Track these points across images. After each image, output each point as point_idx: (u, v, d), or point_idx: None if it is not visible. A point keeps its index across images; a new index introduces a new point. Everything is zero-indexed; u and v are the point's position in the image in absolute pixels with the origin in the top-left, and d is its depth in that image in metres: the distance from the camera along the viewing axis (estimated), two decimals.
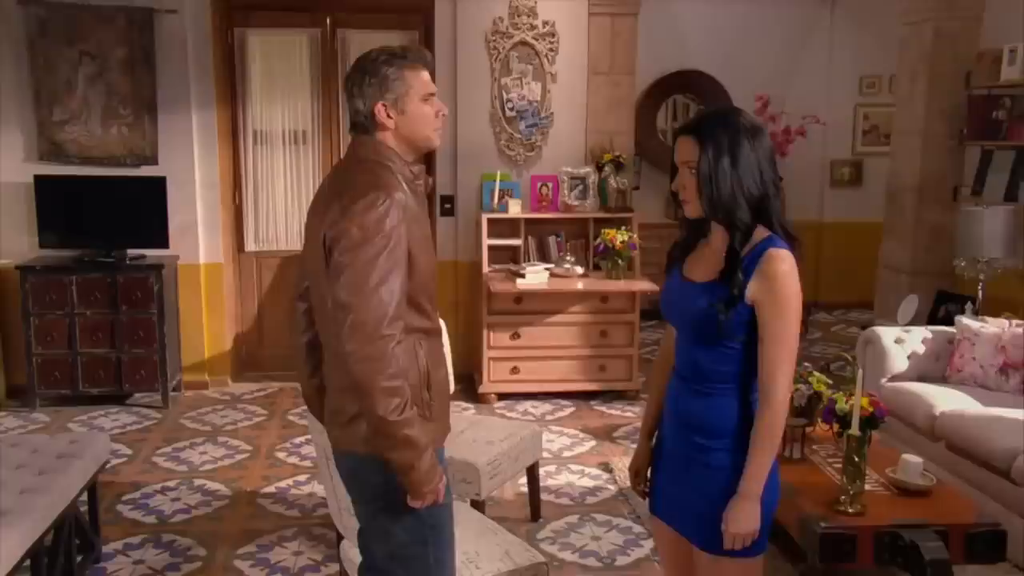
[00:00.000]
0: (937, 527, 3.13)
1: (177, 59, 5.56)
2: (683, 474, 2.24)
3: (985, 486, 3.82)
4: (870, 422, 3.30)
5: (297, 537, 3.80)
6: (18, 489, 2.86)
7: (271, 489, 4.29)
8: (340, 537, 2.76)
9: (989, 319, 4.58)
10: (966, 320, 4.61)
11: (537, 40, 5.81)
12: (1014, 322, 4.49)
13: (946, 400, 4.22)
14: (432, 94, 2.17)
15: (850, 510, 3.20)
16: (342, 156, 2.25)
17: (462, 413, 4.80)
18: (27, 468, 3.05)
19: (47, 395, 5.42)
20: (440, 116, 2.19)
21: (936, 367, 4.60)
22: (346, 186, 2.06)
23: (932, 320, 5.42)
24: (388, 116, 2.11)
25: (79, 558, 3.29)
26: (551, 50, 5.83)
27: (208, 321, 5.86)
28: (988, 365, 4.40)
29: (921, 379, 4.55)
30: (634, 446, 4.91)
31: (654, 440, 2.47)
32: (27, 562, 2.81)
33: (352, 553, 2.64)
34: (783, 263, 2.07)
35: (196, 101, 5.62)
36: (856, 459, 3.23)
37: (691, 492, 2.21)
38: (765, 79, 7.90)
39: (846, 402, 3.29)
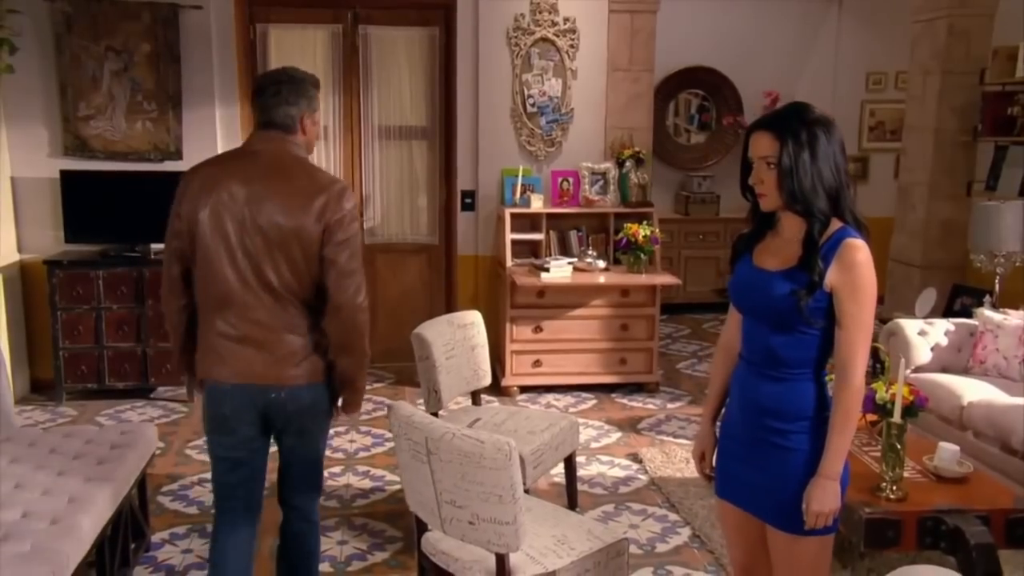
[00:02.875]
0: (978, 512, 3.22)
1: (201, 54, 5.58)
2: (756, 457, 2.30)
3: (1012, 473, 3.91)
4: (910, 410, 3.38)
5: (339, 527, 3.85)
6: (83, 478, 2.90)
7: None
8: (421, 529, 2.80)
9: (1011, 311, 4.67)
10: (988, 312, 4.69)
11: (558, 36, 5.86)
12: None
13: (972, 390, 4.31)
14: None
15: (892, 496, 3.28)
16: (269, 146, 2.61)
17: (490, 405, 4.83)
18: (86, 458, 3.09)
19: (73, 389, 5.43)
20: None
21: (958, 359, 4.69)
22: (318, 178, 2.60)
23: (948, 313, 5.51)
24: (310, 125, 2.66)
25: (132, 546, 3.32)
26: (572, 46, 5.89)
27: None
28: (1011, 356, 4.49)
29: (944, 370, 4.64)
30: (660, 438, 5.04)
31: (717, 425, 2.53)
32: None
33: (443, 545, 2.71)
34: (860, 252, 2.15)
35: (220, 96, 5.65)
36: (898, 446, 3.32)
37: (767, 475, 2.27)
38: (773, 76, 7.99)
39: (886, 391, 3.36)
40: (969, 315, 4.99)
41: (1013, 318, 4.59)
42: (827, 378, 2.32)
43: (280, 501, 2.90)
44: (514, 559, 2.59)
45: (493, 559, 2.56)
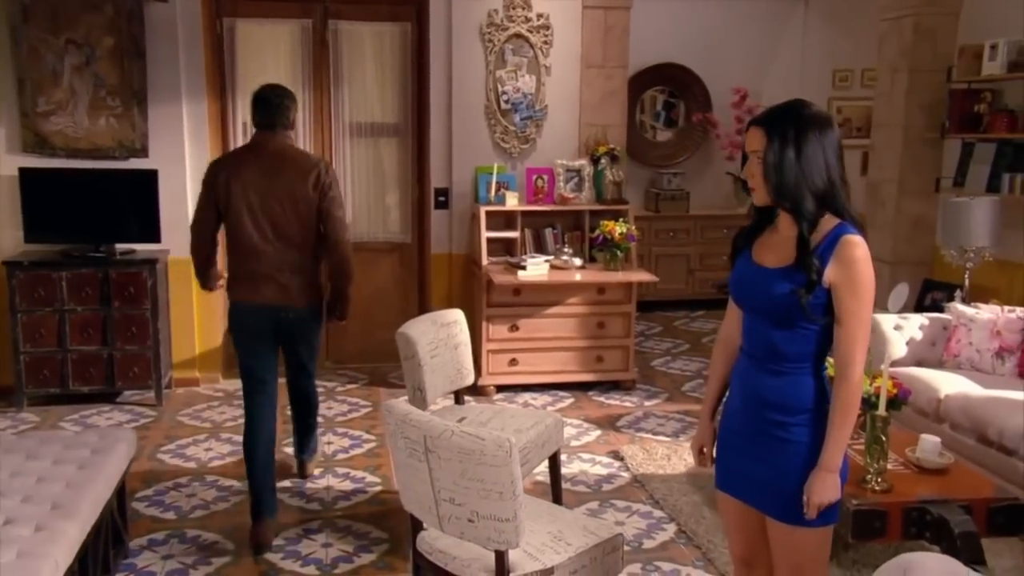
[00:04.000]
0: (960, 502, 3.27)
1: (167, 48, 5.44)
2: (756, 449, 2.31)
3: (988, 464, 3.97)
4: (893, 403, 3.42)
5: (323, 530, 3.77)
6: (64, 483, 2.79)
7: (287, 484, 4.24)
8: (416, 528, 2.75)
9: (982, 305, 4.74)
10: (961, 307, 4.77)
11: (532, 33, 5.83)
12: (1006, 308, 4.66)
13: (948, 384, 4.37)
14: None
15: (877, 488, 3.32)
16: (272, 141, 3.74)
17: (473, 404, 4.78)
18: (66, 463, 2.98)
19: (34, 394, 5.26)
20: None
21: (932, 352, 4.75)
22: (307, 158, 3.83)
23: (919, 308, 5.59)
24: (295, 121, 3.87)
25: (111, 553, 3.21)
26: (545, 43, 5.86)
27: (199, 317, 5.75)
28: (984, 350, 4.56)
29: (918, 364, 4.70)
30: (639, 435, 5.04)
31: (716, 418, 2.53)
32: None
33: (440, 543, 2.67)
34: (859, 248, 2.16)
35: (187, 92, 5.51)
36: (883, 439, 3.35)
37: (768, 467, 2.28)
38: (742, 73, 8.05)
39: (870, 384, 3.39)
40: (940, 310, 5.06)
41: (985, 312, 4.66)
42: (826, 371, 2.33)
43: (289, 387, 4.11)
44: (512, 556, 2.55)
45: (491, 556, 2.53)
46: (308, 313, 3.80)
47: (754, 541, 2.44)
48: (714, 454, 2.51)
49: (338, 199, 3.76)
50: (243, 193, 3.63)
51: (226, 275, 3.89)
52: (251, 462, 3.73)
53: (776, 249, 2.27)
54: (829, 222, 2.20)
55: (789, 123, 2.17)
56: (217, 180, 3.67)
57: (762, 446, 2.30)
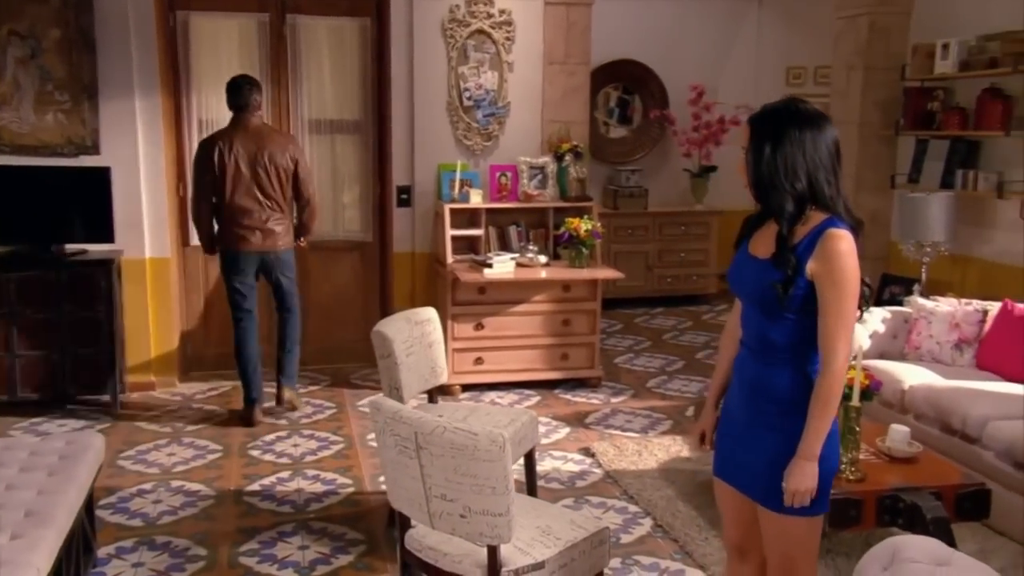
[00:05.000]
0: (931, 489, 3.33)
1: (119, 41, 5.26)
2: (749, 438, 2.35)
3: (951, 452, 4.05)
4: (865, 394, 3.48)
5: (297, 532, 3.68)
6: (36, 490, 2.67)
7: (255, 487, 4.13)
8: (404, 527, 2.69)
9: (941, 299, 4.86)
10: (920, 300, 4.87)
11: (494, 29, 5.79)
12: (963, 300, 4.78)
13: (911, 375, 4.45)
14: None
15: (851, 477, 3.37)
16: (250, 120, 4.84)
17: (447, 403, 4.74)
18: (34, 470, 2.85)
19: None
20: None
21: (894, 345, 4.85)
22: (282, 135, 5.13)
23: (878, 302, 5.69)
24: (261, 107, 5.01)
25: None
26: (508, 39, 5.83)
27: (154, 319, 5.57)
28: (944, 342, 4.67)
29: (881, 356, 4.78)
30: (609, 432, 5.04)
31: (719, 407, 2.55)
32: None
33: (430, 540, 2.63)
34: (841, 241, 2.17)
35: (139, 87, 5.33)
36: (856, 429, 3.41)
37: (757, 455, 2.31)
38: (697, 70, 8.11)
39: None
40: (899, 303, 5.17)
41: (943, 305, 4.77)
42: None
43: (277, 309, 5.10)
44: (503, 551, 2.52)
45: (482, 552, 2.50)
46: (286, 253, 4.90)
47: (748, 529, 2.46)
48: (714, 440, 2.52)
49: (308, 166, 5.04)
50: (235, 163, 4.67)
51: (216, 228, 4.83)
52: (242, 362, 4.93)
53: (767, 241, 2.29)
54: (817, 217, 2.22)
55: (771, 121, 2.21)
56: (212, 154, 4.67)
57: (754, 434, 2.33)
